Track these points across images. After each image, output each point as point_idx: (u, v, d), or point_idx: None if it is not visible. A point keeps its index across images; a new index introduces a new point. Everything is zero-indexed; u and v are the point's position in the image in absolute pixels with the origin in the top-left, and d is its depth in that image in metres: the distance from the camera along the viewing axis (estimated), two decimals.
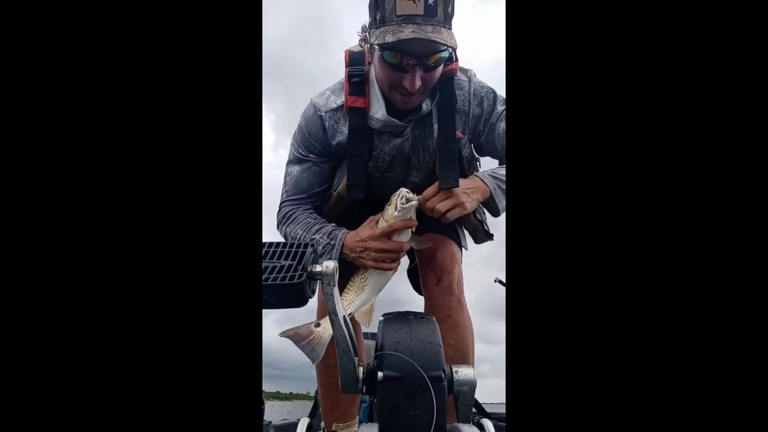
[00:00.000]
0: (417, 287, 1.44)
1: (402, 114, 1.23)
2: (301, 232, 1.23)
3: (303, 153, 1.29)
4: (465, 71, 1.31)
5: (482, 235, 1.37)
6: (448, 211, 1.16)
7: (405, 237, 1.16)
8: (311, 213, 1.28)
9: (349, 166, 1.25)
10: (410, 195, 1.13)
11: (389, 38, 1.04)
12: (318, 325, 1.04)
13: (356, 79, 1.23)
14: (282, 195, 1.32)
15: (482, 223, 1.33)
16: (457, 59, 1.27)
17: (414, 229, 1.18)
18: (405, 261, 1.49)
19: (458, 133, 1.26)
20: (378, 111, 1.21)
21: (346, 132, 1.25)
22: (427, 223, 1.30)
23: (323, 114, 1.26)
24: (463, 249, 1.39)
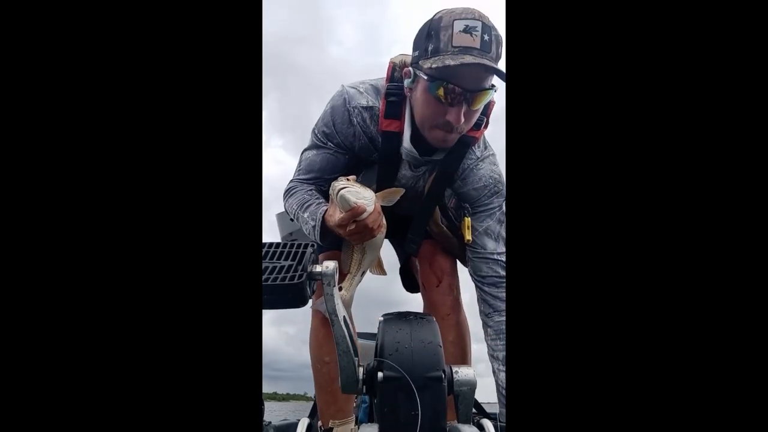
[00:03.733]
0: (407, 286, 1.50)
1: (426, 150, 1.20)
2: (296, 208, 1.23)
3: (322, 140, 1.26)
4: (486, 147, 1.29)
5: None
6: None
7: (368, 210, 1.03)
8: (310, 191, 1.26)
9: (364, 176, 1.24)
10: (336, 183, 1.03)
11: (450, 62, 1.02)
12: (340, 288, 1.04)
13: (393, 99, 1.19)
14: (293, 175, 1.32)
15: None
16: (487, 126, 1.25)
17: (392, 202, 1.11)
18: (397, 263, 1.53)
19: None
20: (405, 139, 1.19)
21: (369, 136, 1.23)
22: (423, 228, 1.34)
23: (351, 108, 1.22)
24: None
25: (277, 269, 0.68)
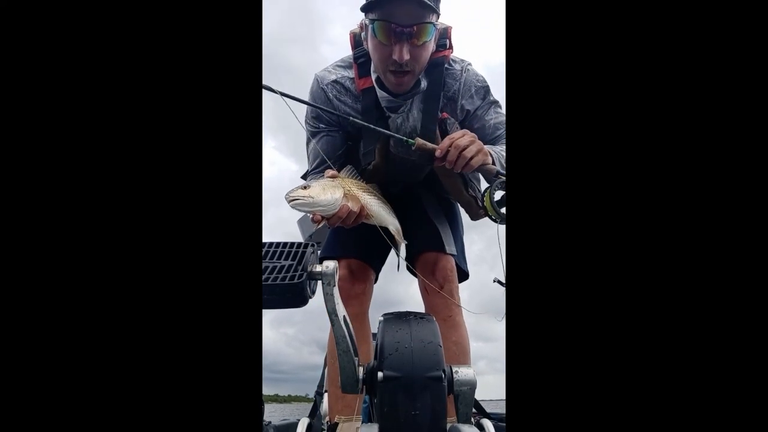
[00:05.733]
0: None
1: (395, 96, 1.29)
2: None
3: (315, 125, 1.35)
4: (460, 61, 1.36)
5: (476, 211, 1.41)
6: (473, 157, 1.12)
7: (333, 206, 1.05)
8: None
9: (365, 139, 1.32)
10: (288, 195, 1.02)
11: (383, 1, 1.10)
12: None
13: (362, 60, 1.31)
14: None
15: (476, 199, 1.38)
16: (451, 47, 1.32)
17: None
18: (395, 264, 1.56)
19: (444, 115, 1.31)
20: (376, 87, 1.28)
21: (346, 104, 1.32)
22: (422, 242, 1.39)
23: (324, 87, 1.34)
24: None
25: (277, 269, 0.68)
